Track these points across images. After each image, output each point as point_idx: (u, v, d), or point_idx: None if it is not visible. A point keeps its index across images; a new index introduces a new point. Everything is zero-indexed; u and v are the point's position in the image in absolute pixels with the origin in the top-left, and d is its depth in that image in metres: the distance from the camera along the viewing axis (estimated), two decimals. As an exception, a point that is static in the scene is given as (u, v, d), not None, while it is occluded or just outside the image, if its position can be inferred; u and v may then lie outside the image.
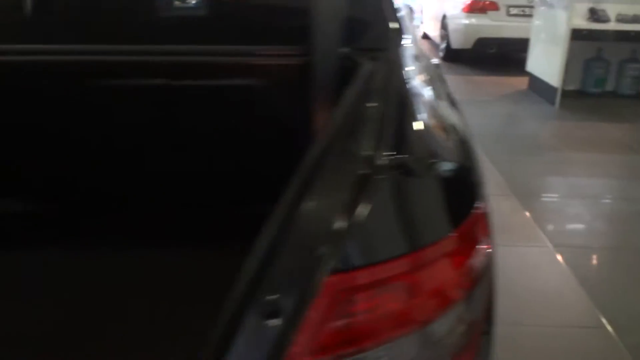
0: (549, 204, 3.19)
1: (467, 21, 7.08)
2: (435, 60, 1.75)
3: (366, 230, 0.64)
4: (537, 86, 5.68)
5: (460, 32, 7.27)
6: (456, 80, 6.65)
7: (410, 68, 1.06)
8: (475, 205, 0.78)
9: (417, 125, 0.84)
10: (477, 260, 0.74)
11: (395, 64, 1.00)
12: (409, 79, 0.99)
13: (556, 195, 3.39)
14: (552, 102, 5.24)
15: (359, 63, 0.94)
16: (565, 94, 5.19)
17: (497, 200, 3.20)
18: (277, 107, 1.08)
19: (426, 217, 0.71)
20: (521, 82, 6.07)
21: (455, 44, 7.44)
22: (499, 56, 7.37)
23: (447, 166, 0.81)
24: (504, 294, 2.35)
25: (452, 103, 1.25)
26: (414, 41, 1.60)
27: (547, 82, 5.38)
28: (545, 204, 3.18)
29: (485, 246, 0.78)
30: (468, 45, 7.21)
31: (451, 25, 7.50)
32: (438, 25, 8.26)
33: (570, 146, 4.22)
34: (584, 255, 2.62)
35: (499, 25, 6.90)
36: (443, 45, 7.96)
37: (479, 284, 0.74)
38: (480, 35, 7.02)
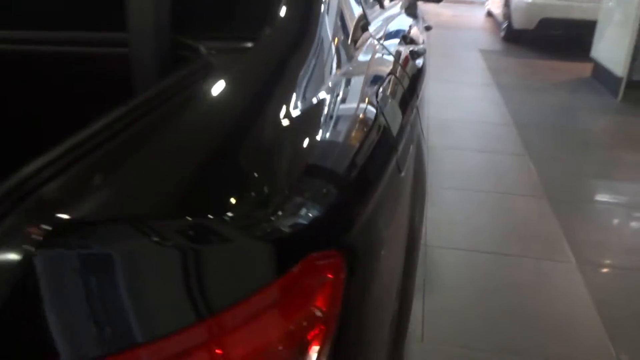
0: (583, 212, 2.81)
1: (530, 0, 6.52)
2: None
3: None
4: (601, 75, 5.13)
5: (523, 11, 6.72)
6: (514, 64, 6.18)
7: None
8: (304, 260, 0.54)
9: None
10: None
11: (250, 62, 0.72)
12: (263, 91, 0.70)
13: (595, 201, 2.99)
14: (615, 94, 4.71)
15: (206, 61, 0.69)
16: (631, 84, 4.64)
17: (525, 202, 2.86)
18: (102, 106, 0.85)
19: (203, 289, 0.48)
20: (584, 69, 5.53)
21: (518, 23, 6.90)
22: (563, 39, 6.77)
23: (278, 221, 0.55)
24: (507, 314, 2.12)
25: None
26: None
27: (611, 71, 4.84)
28: (579, 211, 2.80)
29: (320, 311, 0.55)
30: (531, 25, 6.66)
31: (514, 2, 6.94)
32: (501, 2, 7.69)
33: (624, 145, 3.75)
34: (609, 278, 2.26)
35: (566, 5, 6.31)
36: (505, 25, 7.42)
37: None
38: (544, 15, 6.45)
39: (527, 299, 2.09)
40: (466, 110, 4.38)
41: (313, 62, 0.79)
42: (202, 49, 0.72)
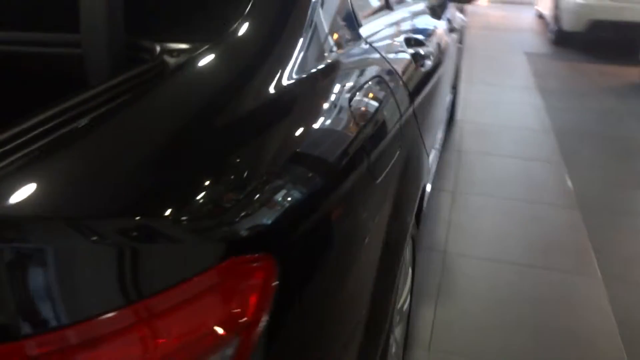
0: (616, 225, 2.69)
1: (581, 0, 6.28)
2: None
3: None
4: (652, 80, 4.90)
5: (572, 12, 6.48)
6: (560, 67, 5.98)
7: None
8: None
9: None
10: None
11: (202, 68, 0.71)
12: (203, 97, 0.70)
13: (630, 214, 2.85)
14: (665, 100, 4.49)
15: (161, 63, 0.69)
16: (683, 91, 4.42)
17: (555, 212, 2.76)
18: None
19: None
20: (634, 74, 5.29)
21: (567, 25, 6.66)
22: (615, 42, 6.50)
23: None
24: (522, 328, 2.04)
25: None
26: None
27: (662, 77, 4.62)
28: (611, 224, 2.68)
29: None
30: (581, 27, 6.41)
31: (563, 3, 6.71)
32: (551, 3, 7.46)
33: (670, 155, 3.57)
34: (635, 296, 2.16)
35: (618, 6, 6.04)
36: (554, 27, 7.18)
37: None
38: (595, 17, 6.20)
39: (546, 313, 2.02)
40: (504, 115, 4.26)
41: (273, 65, 0.78)
42: (159, 49, 0.73)
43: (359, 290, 0.86)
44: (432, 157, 1.87)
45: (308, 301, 0.69)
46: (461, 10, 4.37)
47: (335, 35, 0.98)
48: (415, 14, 1.80)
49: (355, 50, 1.04)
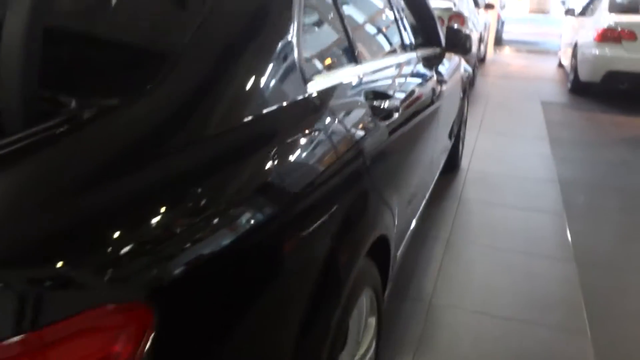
0: (612, 281, 2.61)
1: (597, 51, 6.30)
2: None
3: None
4: (666, 132, 4.84)
5: (588, 63, 6.49)
6: (574, 117, 5.96)
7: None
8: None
9: None
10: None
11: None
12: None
13: (628, 271, 2.78)
14: (679, 153, 4.42)
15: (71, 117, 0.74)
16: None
17: (551, 265, 2.71)
18: None
19: None
20: (649, 126, 5.24)
21: (583, 75, 6.66)
22: (630, 93, 6.46)
23: None
24: None
25: None
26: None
27: (675, 129, 4.56)
28: (607, 280, 2.61)
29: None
30: (596, 78, 6.41)
31: (580, 54, 6.73)
32: (570, 53, 7.49)
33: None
34: (626, 358, 2.08)
35: (633, 58, 6.03)
36: (572, 77, 7.19)
37: None
38: (610, 68, 6.20)
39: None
40: (510, 165, 4.24)
41: (192, 121, 0.82)
42: (74, 104, 0.77)
43: (272, 345, 0.87)
44: (405, 207, 1.87)
45: (197, 355, 0.70)
46: (468, 61, 4.43)
47: (270, 91, 1.02)
48: (390, 67, 1.84)
49: (295, 106, 1.07)
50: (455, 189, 3.66)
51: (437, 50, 2.83)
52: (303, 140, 1.04)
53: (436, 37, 2.87)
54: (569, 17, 8.46)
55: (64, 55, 0.91)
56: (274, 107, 1.00)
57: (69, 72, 0.88)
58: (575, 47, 7.08)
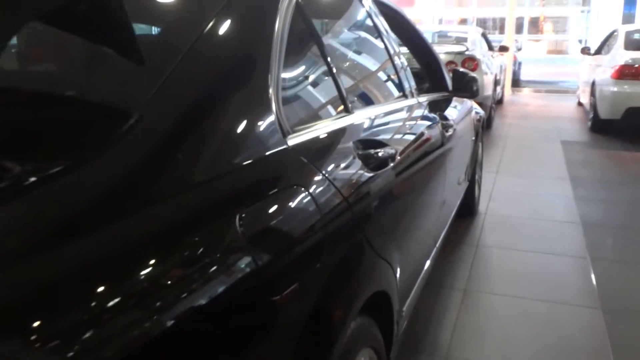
0: (641, 329, 2.46)
1: (615, 88, 6.21)
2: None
3: None
4: (693, 168, 4.67)
5: (608, 100, 6.40)
6: (595, 156, 5.83)
7: None
8: None
9: None
10: None
11: None
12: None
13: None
14: None
15: None
16: None
17: (575, 313, 2.56)
18: None
19: None
20: (675, 162, 5.08)
21: (603, 113, 6.56)
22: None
23: None
24: None
25: None
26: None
27: (702, 164, 4.40)
28: (637, 328, 2.45)
29: None
30: (616, 115, 6.30)
31: (599, 92, 6.64)
32: (588, 92, 7.41)
33: None
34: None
35: (654, 94, 5.93)
36: (591, 115, 7.09)
37: None
38: (631, 105, 6.11)
39: None
40: (531, 207, 4.12)
41: (149, 179, 0.78)
42: (19, 169, 0.74)
43: None
44: (411, 258, 1.78)
45: None
46: (482, 104, 4.39)
47: (241, 146, 0.97)
48: (387, 114, 1.79)
49: (271, 160, 1.03)
50: (473, 234, 3.54)
51: (444, 94, 2.79)
52: (280, 196, 0.99)
53: (442, 81, 2.84)
54: (585, 56, 8.42)
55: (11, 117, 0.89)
56: (245, 163, 0.95)
57: (16, 134, 0.86)
58: (593, 85, 7.00)
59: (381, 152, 1.43)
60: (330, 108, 1.43)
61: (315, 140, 1.21)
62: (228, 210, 0.86)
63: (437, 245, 2.36)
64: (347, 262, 1.16)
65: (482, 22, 25.70)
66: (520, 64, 13.76)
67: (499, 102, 9.68)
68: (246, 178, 0.95)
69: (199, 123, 0.90)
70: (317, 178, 1.11)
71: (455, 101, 2.94)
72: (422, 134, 1.97)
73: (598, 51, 7.83)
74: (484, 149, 4.19)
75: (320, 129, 1.26)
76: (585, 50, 8.44)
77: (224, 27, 1.06)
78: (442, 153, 2.23)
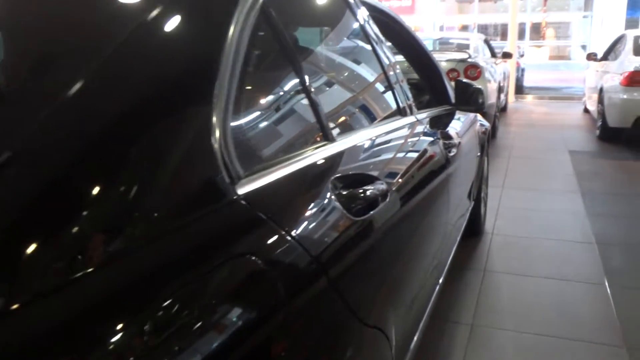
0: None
1: (625, 96, 5.94)
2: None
3: None
4: None
5: (617, 108, 6.13)
6: (606, 167, 5.55)
7: None
8: None
9: None
10: None
11: None
12: None
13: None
14: None
15: None
16: None
17: (595, 352, 2.28)
18: None
19: None
20: (691, 173, 4.80)
21: (612, 121, 6.29)
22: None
23: None
24: None
25: None
26: None
27: None
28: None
29: None
30: (626, 123, 6.03)
31: (607, 99, 6.37)
32: (595, 99, 7.14)
33: None
34: None
35: (665, 101, 5.66)
36: (599, 123, 6.81)
37: None
38: (641, 113, 5.82)
39: None
40: (540, 225, 3.84)
41: None
42: None
43: None
44: (407, 308, 1.49)
45: None
46: (486, 113, 4.12)
47: (168, 202, 0.71)
48: (377, 138, 1.49)
49: (207, 222, 0.75)
50: (479, 258, 3.26)
51: (446, 108, 2.52)
52: (215, 275, 0.71)
53: (443, 94, 2.57)
54: (591, 61, 8.15)
55: None
56: (164, 230, 0.68)
57: None
58: (601, 92, 6.73)
59: (370, 190, 1.16)
60: (303, 137, 1.14)
61: (278, 184, 0.93)
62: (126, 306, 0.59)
63: (440, 282, 2.07)
64: (323, 345, 0.88)
65: (483, 29, 25.48)
66: (523, 70, 13.52)
67: (503, 109, 9.42)
68: (163, 253, 0.67)
69: (86, 172, 0.64)
70: (276, 239, 0.83)
71: (458, 114, 2.67)
72: (421, 159, 1.69)
73: (605, 57, 7.57)
74: (489, 161, 3.92)
75: (286, 168, 0.98)
76: (591, 56, 8.17)
77: (145, 33, 0.80)
78: (444, 179, 1.95)
